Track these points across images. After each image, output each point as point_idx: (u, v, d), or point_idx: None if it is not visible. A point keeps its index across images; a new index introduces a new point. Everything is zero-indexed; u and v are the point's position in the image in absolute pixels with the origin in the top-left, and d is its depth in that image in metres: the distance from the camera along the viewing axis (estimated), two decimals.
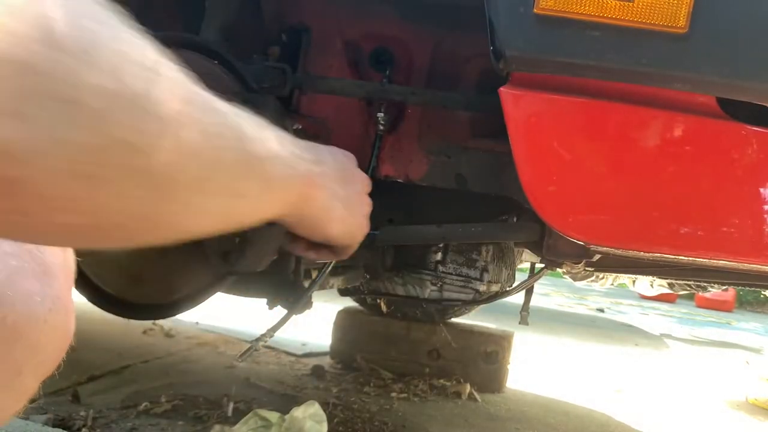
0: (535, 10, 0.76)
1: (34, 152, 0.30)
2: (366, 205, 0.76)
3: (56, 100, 0.30)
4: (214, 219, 0.49)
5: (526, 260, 1.92)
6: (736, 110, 0.80)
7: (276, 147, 0.53)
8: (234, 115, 0.45)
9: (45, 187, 0.32)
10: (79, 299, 1.19)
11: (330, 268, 1.12)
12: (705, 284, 1.78)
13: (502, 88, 0.80)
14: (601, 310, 6.37)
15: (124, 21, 0.35)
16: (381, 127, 1.10)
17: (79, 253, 1.14)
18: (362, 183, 0.76)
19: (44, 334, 0.52)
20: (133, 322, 2.51)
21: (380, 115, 1.09)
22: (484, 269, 1.61)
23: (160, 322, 2.74)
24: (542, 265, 1.27)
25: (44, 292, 0.52)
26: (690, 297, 8.78)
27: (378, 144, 1.11)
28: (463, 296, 1.62)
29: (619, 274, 2.04)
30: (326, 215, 0.69)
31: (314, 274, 1.19)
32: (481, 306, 2.05)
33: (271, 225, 1.01)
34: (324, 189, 0.66)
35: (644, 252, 0.84)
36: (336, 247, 0.76)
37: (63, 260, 0.57)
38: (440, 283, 1.60)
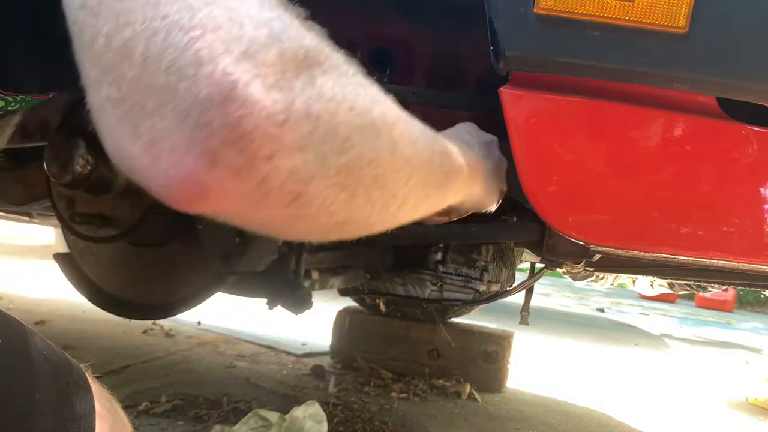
0: (535, 10, 0.76)
1: (315, 173, 0.40)
2: (505, 187, 0.85)
3: (338, 139, 0.41)
4: (413, 211, 0.56)
5: (526, 260, 1.92)
6: (736, 110, 0.80)
7: (457, 143, 0.62)
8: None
9: (317, 197, 0.41)
10: (79, 299, 1.19)
11: None
12: (705, 284, 1.78)
13: (502, 88, 0.80)
14: (602, 310, 6.36)
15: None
16: None
17: (78, 253, 1.14)
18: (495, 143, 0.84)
19: None
20: (133, 322, 2.51)
21: None
22: (484, 269, 1.61)
23: (160, 321, 2.74)
24: (542, 265, 1.27)
25: None
26: (690, 297, 8.77)
27: None
28: (463, 296, 1.62)
29: (619, 274, 2.04)
30: (481, 199, 0.78)
31: (314, 275, 1.19)
32: (481, 306, 2.05)
33: None
34: (484, 182, 0.75)
35: (644, 252, 0.84)
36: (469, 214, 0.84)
37: None
38: (440, 283, 1.59)
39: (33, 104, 0.64)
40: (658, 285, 2.05)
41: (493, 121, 0.88)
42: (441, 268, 1.57)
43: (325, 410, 1.52)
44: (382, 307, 2.36)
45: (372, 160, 0.44)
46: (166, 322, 2.76)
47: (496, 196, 0.83)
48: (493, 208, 0.84)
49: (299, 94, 0.39)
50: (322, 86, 0.40)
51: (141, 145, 0.37)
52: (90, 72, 0.38)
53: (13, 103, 0.61)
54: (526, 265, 1.93)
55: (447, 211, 0.79)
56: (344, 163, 0.42)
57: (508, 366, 2.45)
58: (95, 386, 0.59)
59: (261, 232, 0.46)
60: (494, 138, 0.83)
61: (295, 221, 0.43)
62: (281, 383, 2.14)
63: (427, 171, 0.55)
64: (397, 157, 0.48)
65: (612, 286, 2.41)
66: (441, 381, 2.32)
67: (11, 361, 0.52)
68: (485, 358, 2.39)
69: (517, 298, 1.65)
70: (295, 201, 0.40)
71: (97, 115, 0.39)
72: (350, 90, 0.43)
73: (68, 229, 1.03)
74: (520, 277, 1.75)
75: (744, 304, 10.38)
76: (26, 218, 1.88)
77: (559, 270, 1.34)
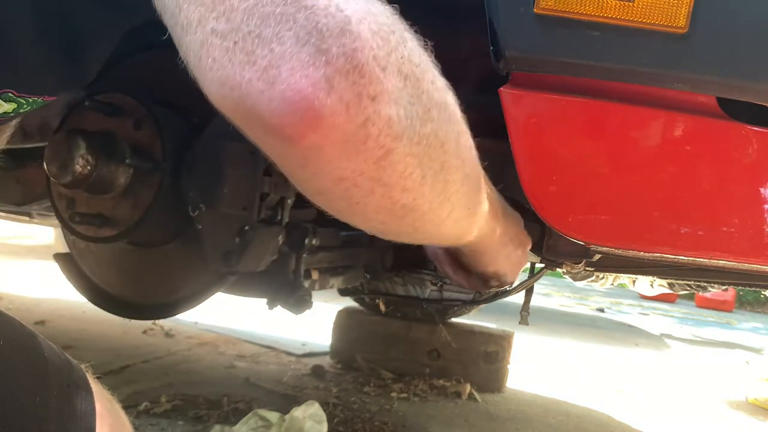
0: (535, 10, 0.76)
1: (404, 132, 0.43)
2: (525, 260, 0.85)
3: (421, 106, 0.45)
4: (454, 225, 0.59)
5: None
6: (736, 110, 0.80)
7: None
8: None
9: (401, 161, 0.44)
10: (79, 299, 1.19)
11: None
12: (705, 284, 1.78)
13: (502, 88, 0.80)
14: (602, 310, 6.36)
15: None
16: None
17: (78, 253, 1.14)
18: (527, 240, 0.85)
19: None
20: (133, 322, 2.51)
21: None
22: None
23: (160, 321, 2.74)
24: (542, 265, 1.27)
25: None
26: (690, 297, 8.77)
27: None
28: (463, 296, 1.61)
29: (619, 274, 2.04)
30: (499, 249, 0.77)
31: (314, 275, 1.19)
32: (481, 306, 2.05)
33: (270, 225, 1.01)
34: (503, 225, 0.75)
35: (644, 252, 0.84)
36: (486, 281, 0.83)
37: None
38: (440, 283, 1.59)
39: (43, 106, 0.64)
40: (658, 285, 2.05)
41: (490, 122, 0.88)
42: None
43: (325, 410, 1.52)
44: (382, 307, 2.36)
45: (443, 143, 0.48)
46: (166, 322, 2.76)
47: (515, 257, 0.82)
48: (509, 276, 0.84)
49: (394, 49, 0.42)
50: (412, 50, 0.44)
51: (256, 70, 0.38)
52: (191, 11, 0.40)
53: (25, 105, 0.62)
54: (526, 265, 1.93)
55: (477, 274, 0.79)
56: (425, 133, 0.45)
57: (508, 366, 2.45)
58: (96, 386, 0.59)
59: (332, 206, 0.48)
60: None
61: (373, 189, 0.45)
62: (281, 383, 2.14)
63: (473, 181, 0.58)
64: (459, 151, 0.52)
65: (612, 286, 2.41)
66: (441, 381, 2.32)
67: (14, 363, 0.52)
68: (485, 358, 2.39)
69: (517, 298, 1.64)
70: (384, 159, 0.43)
71: (198, 52, 0.40)
72: (431, 66, 0.47)
73: (68, 229, 1.03)
74: (520, 277, 1.75)
75: (744, 304, 10.37)
76: (26, 218, 1.88)
77: (559, 270, 1.34)
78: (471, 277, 0.84)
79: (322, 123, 0.39)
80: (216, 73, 0.40)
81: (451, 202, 0.54)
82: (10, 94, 0.58)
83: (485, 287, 0.84)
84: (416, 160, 0.45)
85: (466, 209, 0.59)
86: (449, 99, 0.49)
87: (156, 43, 1.05)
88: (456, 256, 0.84)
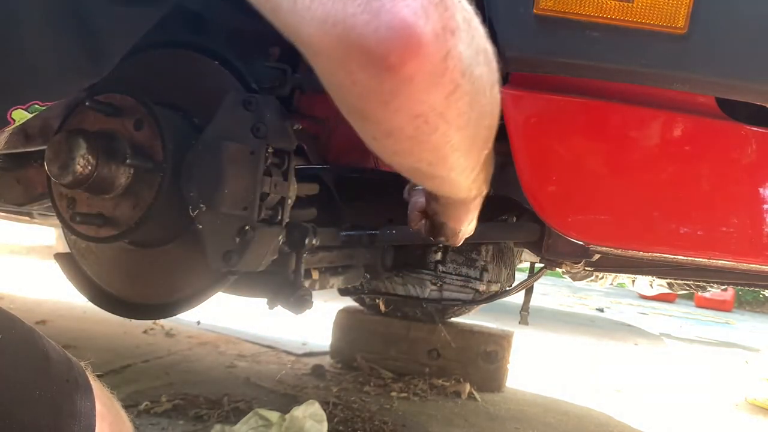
0: (534, 11, 0.76)
1: (466, 70, 0.47)
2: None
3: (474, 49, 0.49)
4: (466, 176, 0.62)
5: (525, 260, 1.92)
6: (736, 110, 0.80)
7: None
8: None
9: (461, 98, 0.48)
10: (80, 299, 1.19)
11: None
12: (704, 284, 1.78)
13: (501, 89, 0.80)
14: (601, 310, 6.36)
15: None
16: None
17: (79, 253, 1.14)
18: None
19: None
20: (133, 321, 2.51)
21: None
22: (484, 269, 1.61)
23: (161, 321, 2.74)
24: (542, 265, 1.28)
25: None
26: (689, 297, 8.76)
27: None
28: (462, 296, 1.62)
29: (618, 274, 2.04)
30: (471, 211, 0.80)
31: (314, 274, 1.19)
32: (481, 306, 2.05)
33: (271, 225, 1.01)
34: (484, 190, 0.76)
35: (644, 252, 0.84)
36: (442, 234, 0.87)
37: None
38: (440, 282, 1.60)
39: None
40: (657, 285, 2.05)
41: None
42: (441, 267, 1.57)
43: (325, 410, 1.52)
44: (382, 307, 2.36)
45: (485, 88, 0.52)
46: (166, 322, 2.76)
47: None
48: (459, 237, 0.88)
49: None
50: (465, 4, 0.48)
51: (359, 4, 0.43)
52: None
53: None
54: (526, 265, 1.93)
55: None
56: (477, 75, 0.50)
57: (508, 366, 2.45)
58: (96, 385, 0.59)
59: (396, 147, 0.52)
60: None
61: (437, 126, 0.50)
62: (281, 383, 2.14)
63: (492, 134, 0.60)
64: (493, 100, 0.55)
65: (611, 286, 2.41)
66: (441, 381, 2.32)
67: (13, 358, 0.52)
68: (485, 357, 2.40)
69: (517, 298, 1.65)
70: (452, 94, 0.48)
71: None
72: (474, 13, 0.51)
73: (69, 229, 1.03)
74: (519, 277, 1.75)
75: (743, 304, 10.36)
76: (27, 218, 1.88)
77: (558, 270, 1.35)
78: (431, 227, 0.88)
79: (421, 51, 0.44)
80: (316, 12, 0.44)
81: (477, 150, 0.57)
82: (36, 105, 0.59)
83: (435, 238, 0.89)
84: (469, 99, 0.49)
85: (480, 160, 0.61)
86: (489, 47, 0.52)
87: (156, 43, 1.05)
88: (429, 203, 0.86)
